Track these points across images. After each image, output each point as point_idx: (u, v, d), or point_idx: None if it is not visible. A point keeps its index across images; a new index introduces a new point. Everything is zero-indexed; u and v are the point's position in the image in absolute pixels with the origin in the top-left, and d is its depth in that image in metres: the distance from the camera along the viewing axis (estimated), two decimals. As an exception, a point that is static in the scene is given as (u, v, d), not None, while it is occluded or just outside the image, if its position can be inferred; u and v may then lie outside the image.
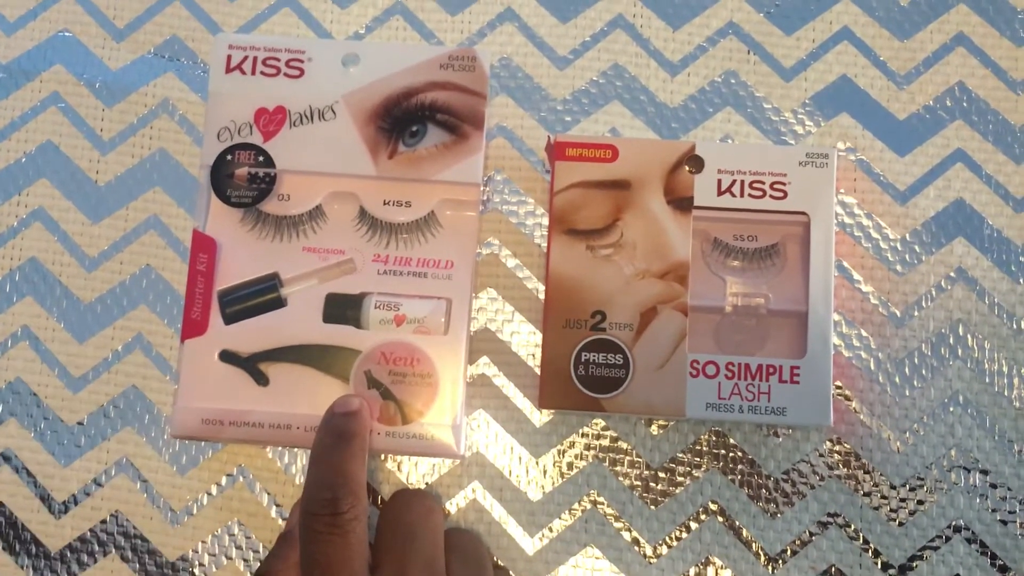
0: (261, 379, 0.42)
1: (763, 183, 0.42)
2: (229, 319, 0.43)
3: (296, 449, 0.44)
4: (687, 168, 0.43)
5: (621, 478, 0.43)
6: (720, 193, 0.43)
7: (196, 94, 0.47)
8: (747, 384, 0.41)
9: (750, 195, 0.43)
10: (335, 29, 0.47)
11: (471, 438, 0.44)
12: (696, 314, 0.43)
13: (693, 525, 0.43)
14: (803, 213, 0.42)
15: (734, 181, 0.43)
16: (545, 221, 0.45)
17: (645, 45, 0.47)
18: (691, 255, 0.42)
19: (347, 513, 0.37)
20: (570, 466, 0.43)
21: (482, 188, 0.45)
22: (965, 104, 0.45)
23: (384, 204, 0.44)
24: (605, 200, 0.43)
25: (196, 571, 0.43)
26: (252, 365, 0.42)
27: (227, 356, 0.42)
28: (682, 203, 0.43)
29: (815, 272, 0.42)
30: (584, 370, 0.42)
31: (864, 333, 0.44)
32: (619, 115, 0.46)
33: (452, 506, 0.43)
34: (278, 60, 0.44)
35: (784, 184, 0.42)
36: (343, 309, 0.43)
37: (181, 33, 0.48)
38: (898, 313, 0.44)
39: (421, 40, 0.47)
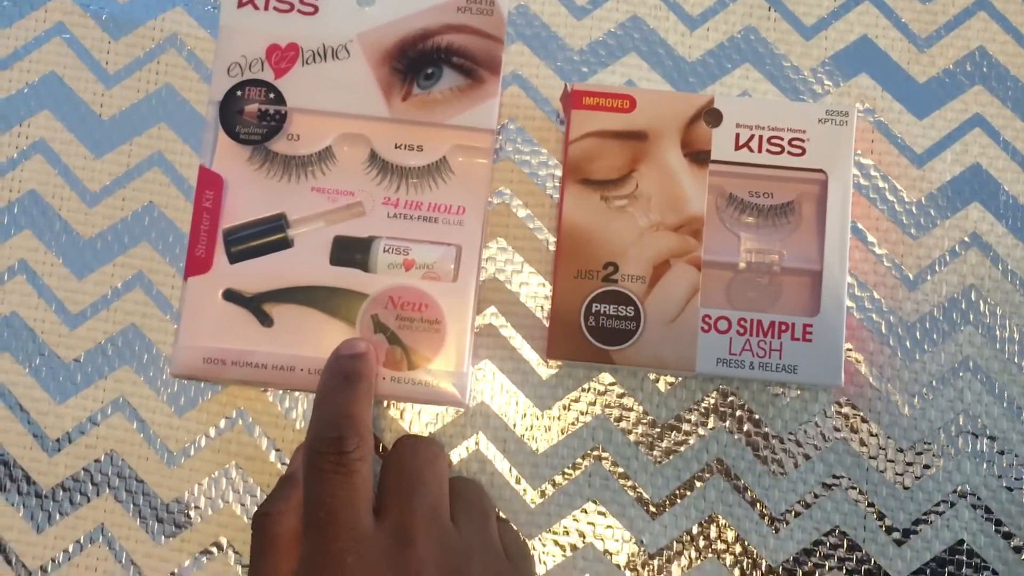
0: (265, 320, 0.41)
1: (781, 139, 0.42)
2: (234, 258, 0.42)
3: (298, 393, 0.43)
4: (705, 121, 0.42)
5: (626, 434, 0.43)
6: (738, 148, 0.42)
7: (205, 30, 0.46)
8: (759, 340, 0.41)
9: (768, 151, 0.42)
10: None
11: (476, 388, 0.43)
12: (709, 269, 0.42)
13: (697, 483, 0.43)
14: (820, 171, 0.42)
15: (752, 136, 0.42)
16: (558, 172, 0.44)
17: (665, -2, 0.46)
18: (706, 210, 0.42)
19: (353, 453, 0.36)
20: (575, 420, 0.43)
21: (496, 136, 0.44)
22: (985, 69, 0.45)
23: (395, 148, 0.43)
24: (621, 151, 0.42)
25: (192, 514, 0.42)
26: (256, 305, 0.42)
27: (231, 295, 0.42)
28: (699, 156, 0.42)
29: (831, 231, 0.41)
30: (594, 321, 0.41)
31: (876, 295, 0.44)
32: (636, 67, 0.45)
33: (455, 456, 0.43)
34: None
35: (803, 141, 0.42)
36: (351, 252, 0.42)
37: (191, -32, 0.46)
38: (911, 276, 0.44)
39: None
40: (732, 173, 0.42)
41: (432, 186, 0.43)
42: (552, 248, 0.44)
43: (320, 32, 0.43)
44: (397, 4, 0.43)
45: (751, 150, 0.42)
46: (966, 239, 0.44)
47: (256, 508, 0.41)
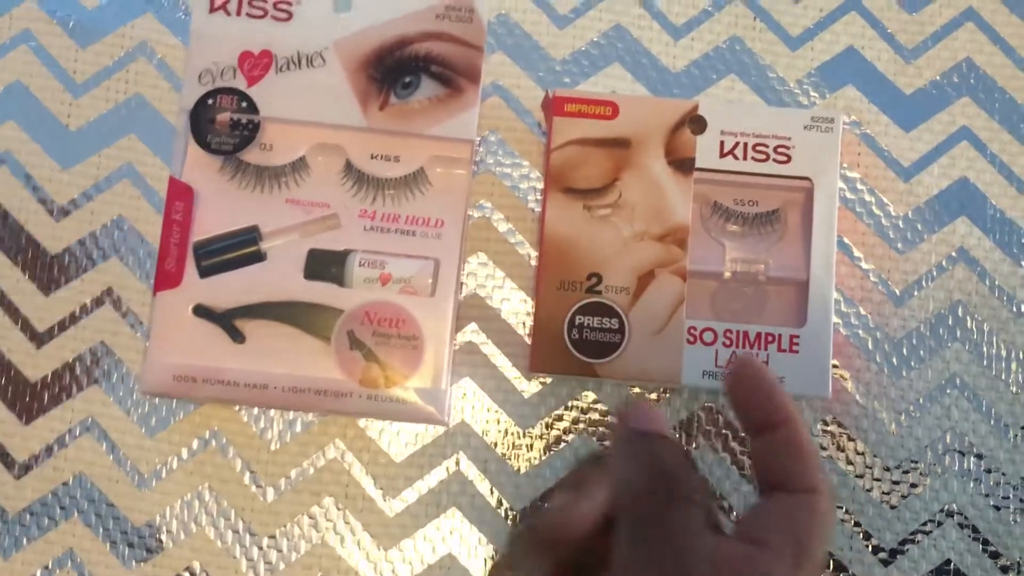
0: (237, 336, 0.40)
1: (767, 146, 0.41)
2: (205, 272, 0.41)
3: (273, 413, 0.42)
4: (689, 128, 0.41)
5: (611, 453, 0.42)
6: (723, 155, 0.41)
7: (176, 37, 0.44)
8: (744, 352, 0.40)
9: (753, 158, 0.41)
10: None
11: (457, 406, 0.42)
12: (694, 279, 0.41)
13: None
14: (806, 179, 0.41)
15: (737, 143, 0.41)
16: (540, 185, 0.43)
17: (649, 6, 0.45)
18: (691, 218, 0.41)
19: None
20: (558, 440, 0.42)
21: (476, 148, 0.43)
22: (972, 81, 0.44)
23: (372, 158, 0.42)
24: (604, 159, 0.41)
25: (163, 538, 0.41)
26: (228, 321, 0.40)
27: (201, 311, 0.40)
28: (683, 164, 0.41)
29: (817, 240, 0.41)
30: (578, 334, 0.40)
31: (863, 311, 0.43)
32: (619, 78, 0.44)
33: (434, 477, 0.42)
34: (265, 1, 0.42)
35: (788, 148, 0.41)
36: (326, 265, 0.41)
37: (162, -26, 0.45)
38: (898, 292, 0.43)
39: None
40: (717, 181, 0.42)
41: (409, 198, 0.42)
42: (534, 263, 0.43)
43: (295, 39, 0.42)
44: (374, 11, 0.42)
45: (736, 157, 0.41)
46: (953, 254, 0.43)
47: (230, 533, 0.40)
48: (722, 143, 0.41)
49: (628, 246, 0.41)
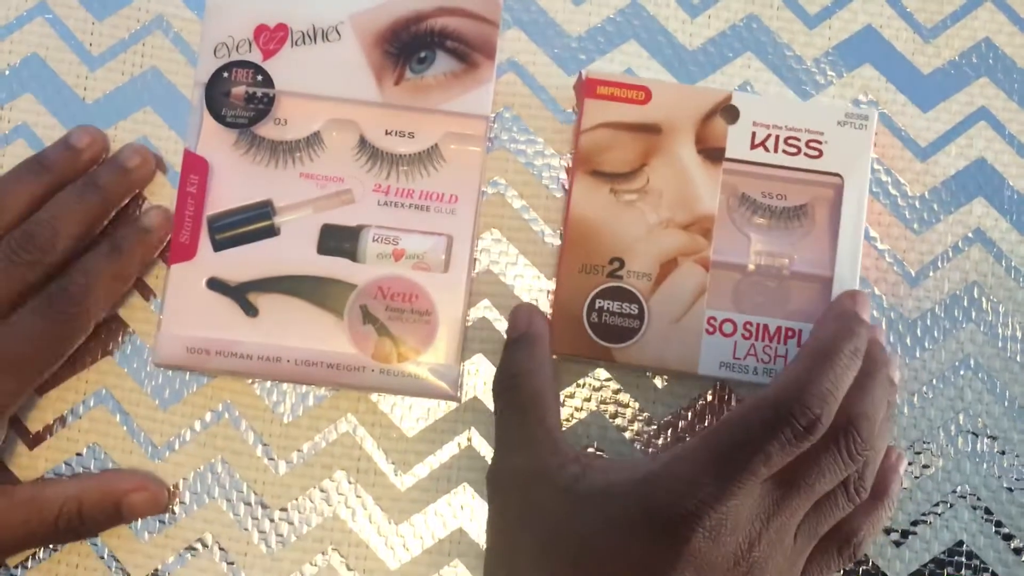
0: (250, 310, 0.40)
1: (799, 140, 0.41)
2: (219, 246, 0.41)
3: (285, 386, 0.42)
4: (722, 117, 0.41)
5: (621, 431, 0.42)
6: (753, 147, 0.41)
7: (192, 11, 0.44)
8: (764, 345, 0.40)
9: (784, 151, 0.41)
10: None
11: (469, 383, 0.42)
12: (717, 270, 0.41)
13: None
14: (837, 175, 0.41)
15: (769, 135, 0.41)
16: (554, 162, 0.43)
17: (666, -16, 0.45)
18: (717, 209, 0.41)
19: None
20: (570, 416, 0.42)
21: (490, 124, 0.43)
22: (991, 61, 0.44)
23: (386, 134, 0.42)
24: (633, 143, 0.41)
25: (177, 509, 0.41)
26: (241, 295, 0.40)
27: (215, 284, 0.40)
28: (713, 154, 0.41)
29: (844, 238, 0.40)
30: (597, 317, 0.40)
31: (878, 292, 0.43)
32: (635, 55, 0.44)
33: (446, 452, 0.42)
34: None
35: (820, 143, 0.41)
36: (339, 241, 0.41)
37: (178, -52, 0.45)
38: (913, 273, 0.43)
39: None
40: (746, 172, 0.41)
41: (423, 174, 0.42)
42: (548, 240, 0.43)
43: (311, 12, 0.42)
44: None
45: (767, 150, 0.41)
46: (969, 235, 0.43)
47: (243, 506, 0.40)
48: (753, 134, 0.41)
49: (652, 233, 0.41)
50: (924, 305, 0.43)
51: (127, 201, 0.42)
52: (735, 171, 0.41)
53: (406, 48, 0.42)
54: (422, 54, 0.42)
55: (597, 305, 0.40)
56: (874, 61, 0.44)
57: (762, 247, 0.42)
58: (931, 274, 0.43)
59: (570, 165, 0.43)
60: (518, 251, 0.43)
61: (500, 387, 0.39)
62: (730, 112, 0.41)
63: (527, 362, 0.39)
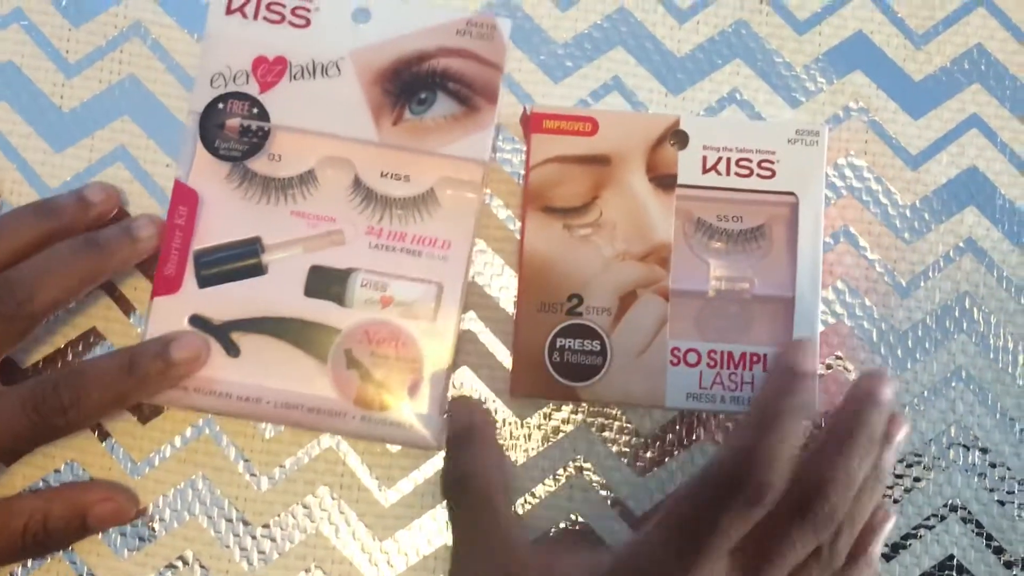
0: (232, 350, 0.39)
1: (750, 161, 0.40)
2: (204, 282, 0.40)
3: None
4: (671, 143, 0.40)
5: (609, 444, 0.41)
6: (705, 171, 0.40)
7: (171, 18, 0.44)
8: (730, 373, 0.39)
9: (736, 173, 0.40)
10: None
11: (453, 394, 0.41)
12: (677, 299, 0.40)
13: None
14: (791, 194, 0.40)
15: (720, 159, 0.40)
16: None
17: (654, -11, 0.44)
18: (673, 236, 0.40)
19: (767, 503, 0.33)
20: (556, 430, 0.41)
21: (488, 171, 0.42)
22: (983, 67, 0.44)
23: (381, 176, 0.41)
24: (584, 176, 0.40)
25: (156, 527, 0.41)
26: (224, 334, 0.40)
27: (198, 321, 0.40)
28: (665, 181, 0.40)
29: (803, 256, 0.40)
30: (559, 356, 0.39)
31: (868, 302, 0.42)
32: (622, 62, 0.43)
33: (429, 468, 0.41)
34: (283, 6, 0.41)
35: (772, 163, 0.40)
36: (327, 284, 0.40)
37: (156, -48, 0.44)
38: (903, 283, 0.42)
39: (415, -28, 0.44)
40: (700, 197, 0.41)
41: (417, 218, 0.41)
42: (520, 243, 0.42)
43: (311, 47, 0.41)
44: (394, 22, 0.41)
45: (719, 173, 0.40)
46: (961, 244, 0.42)
47: (228, 523, 0.40)
48: (704, 158, 0.40)
49: (609, 266, 0.40)
50: (915, 316, 0.42)
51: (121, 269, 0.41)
52: (689, 196, 0.40)
53: (407, 88, 0.41)
54: (422, 95, 0.41)
55: (558, 344, 0.40)
56: (865, 68, 0.43)
57: (721, 272, 0.41)
58: (922, 284, 0.42)
59: (520, 203, 0.42)
60: (503, 262, 0.42)
61: (448, 492, 0.38)
62: (679, 137, 0.40)
63: (471, 463, 0.37)
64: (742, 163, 0.40)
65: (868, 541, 0.38)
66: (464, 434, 0.38)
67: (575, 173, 0.40)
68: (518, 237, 0.42)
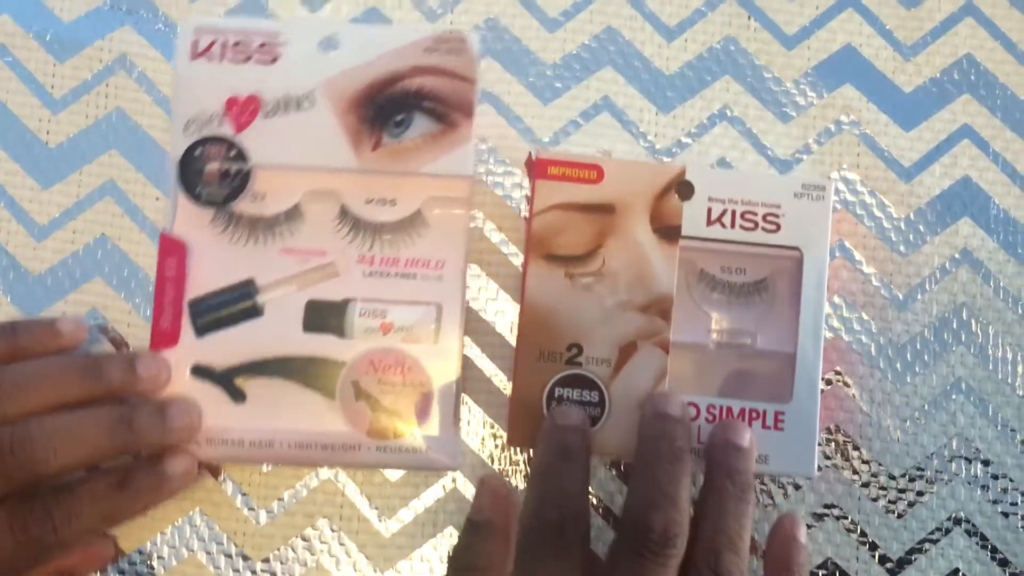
0: (238, 396, 0.39)
1: (755, 214, 0.40)
2: (201, 330, 0.39)
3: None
4: (676, 193, 0.40)
5: (611, 468, 0.41)
6: (710, 223, 0.40)
7: (156, 50, 0.43)
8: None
9: (741, 226, 0.40)
10: (308, -17, 0.44)
11: (451, 423, 0.41)
12: (678, 351, 0.40)
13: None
14: (795, 248, 0.40)
15: (725, 211, 0.40)
16: (528, 208, 0.42)
17: (640, 7, 0.44)
18: (675, 287, 0.40)
19: (570, 536, 0.35)
20: (556, 453, 0.41)
21: (474, 184, 0.42)
22: (973, 77, 0.43)
23: (367, 202, 0.40)
24: (587, 224, 0.40)
25: (154, 563, 0.40)
26: (227, 381, 0.39)
27: (200, 371, 0.39)
28: (669, 232, 0.40)
29: (805, 312, 0.39)
30: (558, 406, 0.39)
31: (865, 317, 0.42)
32: (612, 82, 0.43)
33: (429, 496, 0.41)
34: (248, 44, 0.41)
35: (777, 216, 0.40)
36: (325, 317, 0.40)
37: (140, -16, 0.44)
38: (900, 296, 0.42)
39: (401, -3, 0.44)
40: (703, 248, 0.40)
41: (408, 241, 0.40)
42: (521, 290, 0.42)
43: (282, 81, 0.40)
44: (362, 48, 0.40)
45: (724, 226, 0.40)
46: (956, 256, 0.42)
47: (240, 559, 0.39)
48: (710, 210, 0.40)
49: (610, 316, 0.40)
50: (913, 329, 0.42)
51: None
52: (692, 248, 0.40)
53: (382, 112, 0.40)
54: (399, 117, 0.40)
55: (556, 394, 0.39)
56: (854, 81, 0.43)
57: (723, 324, 0.41)
58: (919, 297, 0.42)
59: (523, 250, 0.42)
60: (498, 286, 0.42)
61: (452, 573, 0.37)
62: (684, 187, 0.40)
63: (483, 558, 0.37)
64: (747, 216, 0.40)
65: (792, 551, 0.37)
66: (484, 527, 0.37)
67: (579, 221, 0.40)
68: (513, 262, 0.42)
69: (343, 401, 0.39)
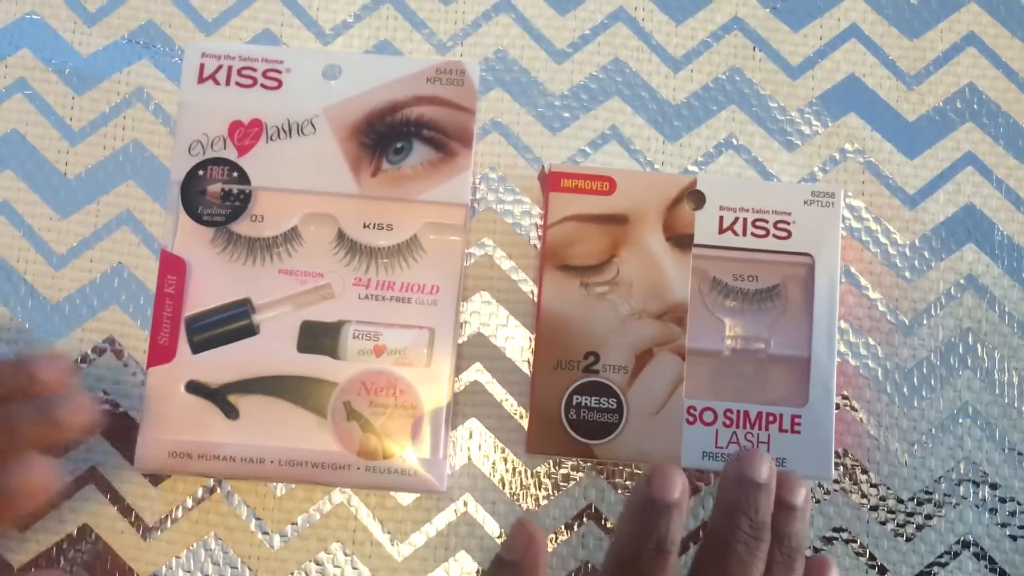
0: (231, 412, 0.40)
1: (766, 222, 0.41)
2: (197, 347, 0.40)
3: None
4: (688, 203, 0.41)
5: (620, 491, 0.41)
6: (721, 231, 0.41)
7: (172, 82, 0.44)
8: (746, 433, 0.40)
9: (753, 234, 0.41)
10: (321, 17, 0.45)
11: (463, 447, 0.42)
12: (693, 357, 0.41)
13: (693, 544, 0.41)
14: (807, 254, 0.40)
15: (736, 219, 0.41)
16: (542, 221, 0.43)
17: (647, 39, 0.45)
18: (689, 295, 0.40)
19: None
20: (566, 477, 0.42)
21: (475, 186, 0.42)
22: (976, 106, 0.44)
23: (364, 227, 0.41)
24: (601, 235, 0.41)
25: (170, 589, 0.41)
26: (221, 397, 0.40)
27: (194, 387, 0.40)
28: (682, 240, 0.41)
29: (819, 316, 0.40)
30: (575, 414, 0.40)
31: (871, 341, 0.42)
32: (619, 112, 0.44)
33: (441, 520, 0.41)
34: (254, 70, 0.42)
35: (788, 224, 0.41)
36: (319, 338, 0.40)
37: (157, 18, 0.45)
38: (906, 321, 0.43)
39: (412, 30, 0.45)
40: (716, 256, 0.41)
41: (403, 265, 0.41)
42: (537, 301, 0.42)
43: (285, 107, 0.41)
44: (364, 76, 0.42)
45: (735, 233, 0.41)
46: (961, 281, 0.43)
47: (237, 583, 0.40)
48: (721, 218, 0.41)
49: (626, 324, 0.40)
50: (919, 354, 0.42)
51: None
52: (705, 256, 0.41)
53: (382, 139, 0.41)
54: (399, 144, 0.41)
55: (574, 401, 0.40)
56: (859, 110, 0.44)
57: (737, 331, 0.41)
58: (925, 322, 0.43)
59: (538, 261, 0.42)
60: (508, 312, 0.43)
61: None
62: (696, 197, 0.41)
63: None
64: (758, 224, 0.40)
65: None
66: (512, 567, 0.35)
67: (592, 232, 0.41)
68: (523, 288, 0.43)
69: (335, 421, 0.40)
